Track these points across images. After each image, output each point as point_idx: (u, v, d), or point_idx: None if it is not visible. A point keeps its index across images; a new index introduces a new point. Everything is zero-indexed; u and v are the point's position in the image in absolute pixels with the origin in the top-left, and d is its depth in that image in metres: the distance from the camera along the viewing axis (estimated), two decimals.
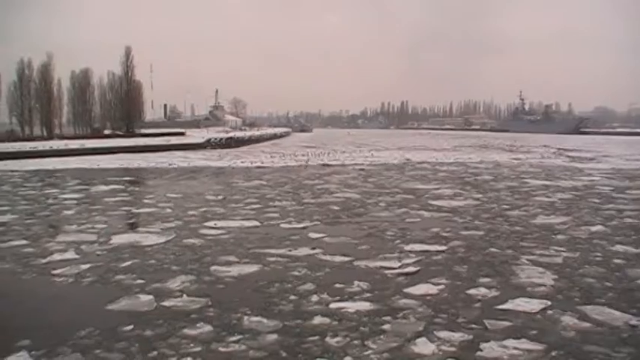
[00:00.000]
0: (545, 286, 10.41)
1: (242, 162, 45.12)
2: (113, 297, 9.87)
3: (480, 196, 23.34)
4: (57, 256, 12.85)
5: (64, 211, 20.38)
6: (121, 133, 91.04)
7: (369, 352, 7.47)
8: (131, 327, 8.44)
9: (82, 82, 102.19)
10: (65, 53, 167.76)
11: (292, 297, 9.78)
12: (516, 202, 21.34)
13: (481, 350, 7.53)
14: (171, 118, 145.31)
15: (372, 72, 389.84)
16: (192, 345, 7.74)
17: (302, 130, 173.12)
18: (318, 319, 8.64)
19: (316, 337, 7.93)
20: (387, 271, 11.38)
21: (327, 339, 7.86)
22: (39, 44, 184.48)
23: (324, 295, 9.80)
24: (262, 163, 44.07)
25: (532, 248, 13.41)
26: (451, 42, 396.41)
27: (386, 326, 8.35)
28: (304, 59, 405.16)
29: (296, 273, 11.27)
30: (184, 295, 9.94)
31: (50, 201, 23.17)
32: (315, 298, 9.71)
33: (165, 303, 9.60)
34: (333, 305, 9.34)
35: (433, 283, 10.51)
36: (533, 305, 9.26)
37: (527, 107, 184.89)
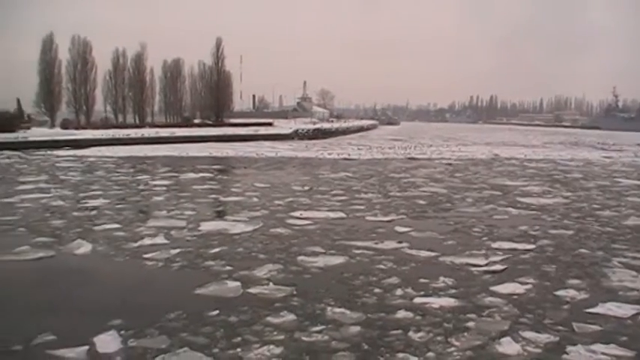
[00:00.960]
0: (638, 290, 9.97)
1: (329, 153, 45.31)
2: (201, 282, 10.13)
3: (569, 194, 22.61)
4: (147, 241, 13.32)
5: (154, 197, 21.08)
6: (210, 122, 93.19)
7: (452, 349, 7.36)
8: (217, 312, 8.63)
9: (173, 72, 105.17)
10: (158, 43, 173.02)
11: (377, 290, 9.76)
12: (607, 202, 20.56)
13: (567, 353, 7.28)
14: (259, 109, 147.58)
15: (461, 64, 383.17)
16: (275, 333, 7.83)
17: (389, 123, 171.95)
18: (401, 314, 8.59)
19: (399, 331, 7.88)
20: (473, 268, 11.20)
21: (410, 334, 7.79)
22: (133, 34, 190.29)
23: (409, 290, 9.73)
24: (349, 155, 44.10)
25: (624, 250, 12.85)
26: (543, 36, 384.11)
27: (470, 324, 8.21)
28: (392, 51, 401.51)
29: (381, 266, 11.24)
30: (270, 284, 10.09)
31: (141, 187, 24.02)
32: (399, 292, 9.66)
33: (252, 290, 9.77)
34: (417, 300, 9.26)
35: (520, 283, 10.25)
36: (625, 310, 8.86)
37: (620, 104, 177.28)
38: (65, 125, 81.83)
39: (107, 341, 7.54)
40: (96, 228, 15.05)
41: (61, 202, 19.64)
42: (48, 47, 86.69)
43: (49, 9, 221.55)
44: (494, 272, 10.94)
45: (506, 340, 7.62)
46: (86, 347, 7.33)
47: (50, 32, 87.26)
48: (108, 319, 8.26)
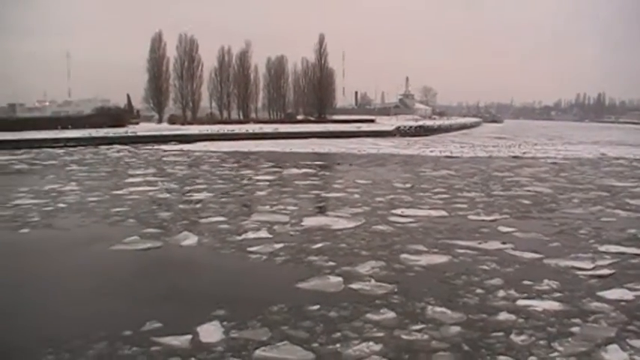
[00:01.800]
0: None
1: (431, 151, 44.82)
2: (304, 276, 10.23)
3: None
4: (251, 234, 13.59)
5: (257, 191, 21.48)
6: (312, 118, 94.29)
7: (556, 354, 7.05)
8: (317, 307, 8.66)
9: (277, 69, 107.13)
10: (262, 40, 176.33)
11: (479, 290, 9.52)
12: None
13: None
14: (361, 106, 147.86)
15: (567, 61, 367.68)
16: (375, 330, 7.78)
17: (492, 121, 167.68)
18: (503, 315, 8.33)
19: (500, 334, 7.65)
20: (578, 272, 10.68)
21: (512, 336, 7.54)
22: (238, 32, 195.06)
23: (512, 292, 9.42)
24: (451, 152, 43.44)
25: None
26: None
27: (575, 329, 7.84)
28: (497, 48, 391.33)
29: (484, 267, 10.95)
30: (372, 280, 10.04)
31: (244, 181, 24.56)
32: (501, 293, 9.38)
33: (353, 286, 9.76)
34: (520, 302, 8.95)
35: (629, 289, 9.65)
36: None
37: None
38: (172, 121, 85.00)
39: (210, 331, 7.74)
40: (201, 220, 15.56)
41: (167, 195, 20.42)
42: (156, 45, 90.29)
43: (158, 8, 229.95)
44: (601, 277, 10.41)
45: (613, 347, 7.21)
46: (190, 336, 7.55)
47: (159, 31, 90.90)
48: (212, 309, 8.48)
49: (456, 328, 7.84)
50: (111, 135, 56.10)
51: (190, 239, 13.25)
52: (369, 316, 8.27)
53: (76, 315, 8.73)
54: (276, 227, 14.43)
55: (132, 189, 21.90)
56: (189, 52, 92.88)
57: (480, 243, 12.76)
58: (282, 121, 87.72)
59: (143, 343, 7.33)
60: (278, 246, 12.45)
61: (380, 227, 14.53)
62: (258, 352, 7.07)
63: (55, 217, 16.37)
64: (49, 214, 16.81)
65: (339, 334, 7.62)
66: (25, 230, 14.72)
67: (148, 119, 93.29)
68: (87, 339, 7.50)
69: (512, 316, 8.27)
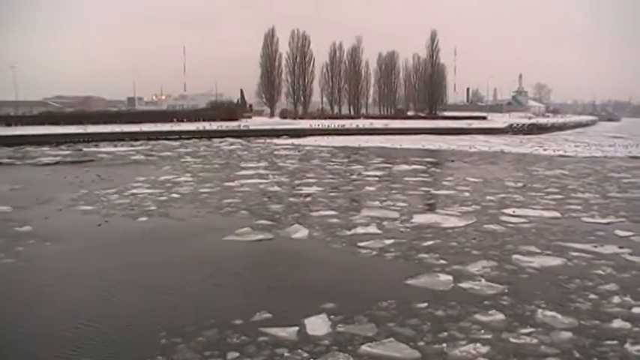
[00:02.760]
0: None
1: (544, 149, 43.27)
2: (413, 273, 10.12)
3: None
4: (360, 229, 13.59)
5: (366, 187, 21.47)
6: (423, 114, 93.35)
7: None
8: (425, 304, 8.55)
9: (387, 65, 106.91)
10: (373, 36, 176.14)
11: (592, 296, 9.06)
12: None
13: None
14: (472, 102, 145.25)
15: None
16: (482, 331, 7.59)
17: (609, 120, 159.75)
18: (617, 323, 7.90)
19: (614, 342, 7.25)
20: None
21: (627, 345, 7.13)
22: (350, 27, 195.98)
23: (628, 298, 8.91)
24: (565, 151, 41.72)
25: None
26: None
27: None
28: (615, 44, 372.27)
29: (599, 271, 10.41)
30: (483, 280, 9.81)
31: (354, 176, 24.60)
32: (616, 299, 8.88)
33: (463, 285, 9.57)
34: (636, 310, 8.45)
35: None
36: None
37: None
38: (284, 115, 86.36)
39: (317, 324, 7.78)
40: (313, 214, 15.72)
41: (277, 188, 20.77)
42: (269, 41, 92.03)
43: (271, 4, 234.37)
44: None
45: None
46: (297, 328, 7.62)
47: (272, 27, 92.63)
48: (320, 302, 8.54)
49: (567, 334, 7.53)
50: (224, 128, 57.74)
51: (301, 232, 13.41)
52: (477, 316, 8.09)
53: (189, 302, 9.01)
54: (385, 223, 14.36)
55: (243, 181, 22.45)
56: (301, 47, 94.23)
57: (595, 246, 12.18)
58: (392, 117, 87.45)
59: (251, 333, 7.48)
60: (388, 242, 12.39)
61: (491, 226, 14.17)
62: (363, 348, 7.04)
63: (170, 207, 17.03)
64: (163, 204, 17.51)
65: (445, 333, 7.49)
66: (144, 219, 15.40)
67: (260, 113, 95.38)
68: (198, 326, 7.73)
69: (628, 324, 7.85)
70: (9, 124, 61.12)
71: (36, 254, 11.91)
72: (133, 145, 45.03)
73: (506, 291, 9.24)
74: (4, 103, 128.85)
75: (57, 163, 33.62)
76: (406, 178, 23.73)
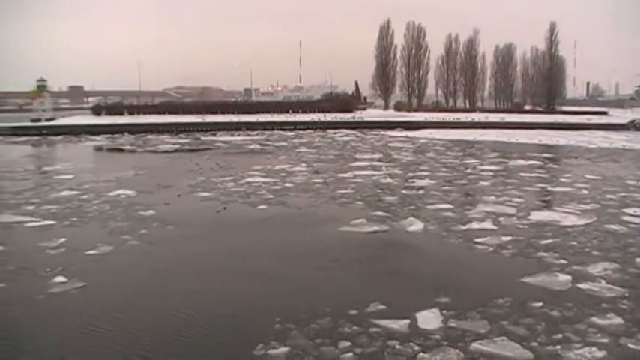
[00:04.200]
0: None
1: None
2: (530, 271, 9.84)
3: None
4: (475, 225, 13.36)
5: (480, 181, 21.01)
6: (540, 109, 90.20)
7: None
8: (541, 304, 8.31)
9: (504, 57, 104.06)
10: (490, 28, 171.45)
11: None
12: None
13: None
14: (592, 97, 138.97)
15: None
16: (599, 335, 7.29)
17: None
18: None
19: None
20: None
21: None
22: (466, 19, 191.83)
23: None
24: None
25: None
26: None
27: None
28: None
29: None
30: (603, 282, 9.39)
31: (468, 170, 24.14)
32: None
33: (581, 285, 9.21)
34: None
35: None
36: None
37: None
38: (398, 107, 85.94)
39: (429, 318, 7.74)
40: (428, 207, 15.59)
41: (390, 180, 20.70)
42: (385, 33, 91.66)
43: None
44: None
45: None
46: (408, 321, 7.60)
47: (387, 19, 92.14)
48: (433, 296, 8.49)
49: None
50: (338, 120, 58.08)
51: (416, 225, 13.33)
52: (594, 319, 7.78)
53: (304, 290, 9.21)
54: (501, 219, 14.03)
55: (357, 172, 22.54)
56: (416, 39, 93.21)
57: None
58: (508, 111, 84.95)
59: (363, 324, 7.53)
60: (505, 239, 12.11)
61: (612, 227, 13.49)
62: (474, 345, 6.93)
63: (286, 196, 17.34)
64: (278, 193, 17.88)
65: (560, 335, 7.25)
66: (262, 207, 15.79)
67: (375, 105, 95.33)
68: (313, 313, 7.87)
69: None
70: (132, 113, 64.26)
71: (158, 237, 12.49)
72: (249, 135, 46.14)
73: (627, 295, 8.81)
74: (128, 93, 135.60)
75: (176, 150, 34.99)
76: (522, 174, 23.03)
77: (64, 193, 18.14)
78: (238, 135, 46.74)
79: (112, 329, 7.61)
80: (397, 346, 6.89)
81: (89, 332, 7.52)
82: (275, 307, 8.18)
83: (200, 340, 7.28)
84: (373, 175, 21.90)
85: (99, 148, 39.10)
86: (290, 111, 66.77)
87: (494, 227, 13.21)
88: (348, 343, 6.96)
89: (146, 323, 7.85)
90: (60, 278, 9.63)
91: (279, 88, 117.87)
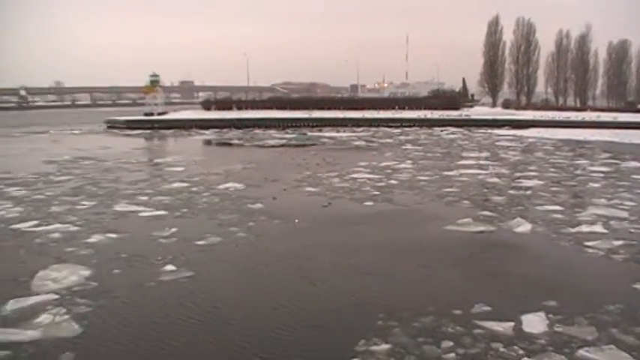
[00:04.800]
0: None
1: None
2: None
3: None
4: (585, 228, 12.84)
5: (590, 183, 20.19)
6: None
7: None
8: None
9: (618, 54, 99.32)
10: (603, 23, 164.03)
11: None
12: None
13: None
14: None
15: None
16: None
17: None
18: None
19: None
20: None
21: None
22: (578, 15, 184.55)
23: None
24: None
25: None
26: None
27: None
28: None
29: None
30: None
31: (578, 171, 23.25)
32: None
33: None
34: None
35: None
36: None
37: None
38: (506, 105, 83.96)
39: (534, 321, 7.54)
40: (537, 208, 15.15)
41: (496, 180, 20.24)
42: (493, 29, 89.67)
43: None
44: None
45: None
46: (513, 324, 7.43)
47: (496, 14, 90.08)
48: (539, 299, 8.27)
49: None
50: (445, 117, 57.33)
51: (524, 226, 13.01)
52: None
53: (408, 287, 9.18)
54: (613, 223, 13.43)
55: (462, 171, 22.22)
56: (526, 35, 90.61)
57: None
58: (621, 110, 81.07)
59: (467, 325, 7.43)
60: (616, 243, 11.59)
61: None
62: (581, 352, 6.71)
63: (392, 193, 17.33)
64: (383, 189, 17.90)
65: None
66: (369, 203, 15.86)
67: (480, 103, 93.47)
68: (416, 311, 7.84)
69: None
70: (240, 108, 65.85)
71: (265, 230, 12.79)
72: (354, 131, 46.31)
73: None
74: (237, 88, 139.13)
75: (282, 145, 35.63)
76: (636, 176, 21.94)
77: (176, 185, 18.90)
78: (344, 131, 47.00)
79: (212, 320, 7.83)
80: (501, 349, 6.76)
81: (190, 322, 7.77)
82: (378, 304, 8.21)
83: (301, 334, 7.40)
84: (479, 174, 21.51)
85: (208, 142, 40.40)
86: (396, 108, 66.41)
87: (605, 231, 12.66)
88: (451, 344, 6.90)
89: (247, 316, 7.98)
90: (170, 267, 10.05)
91: (386, 85, 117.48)
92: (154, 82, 65.06)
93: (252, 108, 66.88)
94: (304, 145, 35.38)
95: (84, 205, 15.75)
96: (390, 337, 7.08)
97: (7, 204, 15.93)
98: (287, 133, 45.27)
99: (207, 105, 70.91)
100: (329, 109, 64.10)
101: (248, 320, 7.83)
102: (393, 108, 65.96)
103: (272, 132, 46.27)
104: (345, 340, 7.09)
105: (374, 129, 49.35)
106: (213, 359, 6.84)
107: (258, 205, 15.32)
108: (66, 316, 7.87)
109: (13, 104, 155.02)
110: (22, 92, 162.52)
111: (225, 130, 49.13)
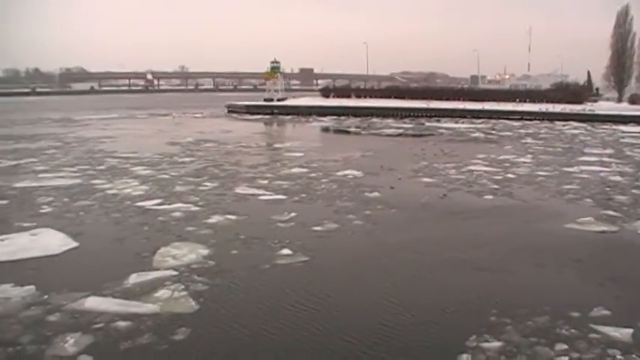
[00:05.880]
0: None
1: None
2: None
3: None
4: None
5: None
6: None
7: None
8: None
9: None
10: None
11: None
12: None
13: None
14: None
15: None
16: None
17: None
18: None
19: None
20: None
21: None
22: None
23: None
24: None
25: None
26: None
27: None
28: None
29: None
30: None
31: None
32: None
33: None
34: None
35: None
36: None
37: None
38: (633, 100, 79.26)
39: None
40: None
41: (620, 178, 19.20)
42: (622, 20, 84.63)
43: None
44: None
45: None
46: (631, 330, 7.05)
47: (626, 4, 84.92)
48: None
49: None
50: (567, 111, 54.84)
51: None
52: None
53: (523, 285, 8.90)
54: None
55: (583, 167, 21.24)
56: None
57: None
58: None
59: (584, 328, 7.12)
60: None
61: None
62: None
63: (510, 187, 16.83)
64: (500, 183, 17.43)
65: None
66: (488, 197, 15.49)
67: (604, 97, 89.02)
68: (530, 310, 7.60)
69: None
70: (358, 97, 66.03)
71: (381, 219, 12.78)
72: (473, 123, 45.33)
73: None
74: (355, 76, 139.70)
75: (399, 135, 35.42)
76: None
77: (295, 170, 19.25)
78: (462, 122, 46.11)
79: (320, 309, 7.82)
80: (618, 356, 6.44)
81: (299, 308, 7.84)
82: (491, 300, 8.03)
83: (409, 327, 7.33)
84: (601, 172, 20.45)
85: (325, 129, 40.80)
86: (517, 100, 64.26)
87: None
88: (565, 346, 6.63)
89: (353, 307, 7.94)
90: (286, 251, 10.24)
91: (507, 76, 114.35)
92: (275, 69, 66.46)
93: (371, 96, 66.89)
94: (421, 135, 35.04)
95: (206, 186, 16.38)
96: (502, 335, 6.89)
97: (134, 182, 16.86)
98: (404, 122, 44.93)
99: (326, 92, 71.65)
100: (447, 99, 63.03)
101: (353, 312, 7.79)
102: (514, 100, 63.86)
103: (389, 121, 46.09)
104: (456, 334, 6.98)
105: (493, 121, 48.04)
106: (317, 350, 6.81)
107: (375, 194, 15.33)
108: (183, 293, 8.23)
109: (140, 87, 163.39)
110: (149, 76, 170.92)
111: (342, 117, 49.45)
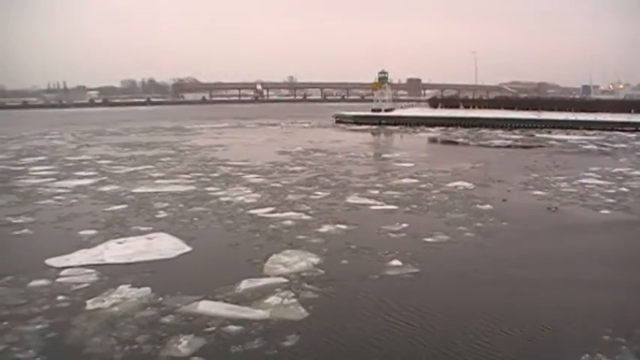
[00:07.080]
0: None
1: None
2: None
3: None
4: None
5: None
6: None
7: None
8: None
9: None
10: None
11: None
12: None
13: None
14: None
15: None
16: None
17: None
18: None
19: None
20: None
21: None
22: None
23: None
24: None
25: None
26: None
27: None
28: None
29: None
30: None
31: None
32: None
33: None
34: None
35: None
36: None
37: None
38: None
39: None
40: None
41: None
42: None
43: None
44: None
45: None
46: None
47: None
48: None
49: None
50: None
51: None
52: None
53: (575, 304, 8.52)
54: None
55: None
56: None
57: None
58: None
59: None
60: None
61: None
62: None
63: (626, 202, 16.08)
64: (615, 197, 16.73)
65: None
66: (605, 211, 14.75)
67: None
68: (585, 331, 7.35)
69: None
70: (467, 107, 64.87)
71: (493, 232, 12.61)
72: (585, 134, 43.49)
73: None
74: (463, 86, 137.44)
75: (509, 146, 34.55)
76: None
77: (405, 181, 19.26)
78: (574, 134, 44.32)
79: (423, 326, 7.70)
80: None
81: (403, 323, 7.76)
82: (603, 318, 7.78)
83: (518, 344, 7.18)
84: None
85: (433, 140, 40.40)
86: (632, 111, 61.13)
87: None
88: None
89: (461, 323, 7.76)
90: (395, 262, 10.29)
91: (621, 86, 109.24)
92: (383, 79, 66.39)
93: (479, 107, 65.60)
94: (531, 147, 34.06)
95: (317, 195, 16.68)
96: (616, 355, 6.69)
97: (247, 190, 17.42)
98: (514, 133, 43.76)
99: (433, 103, 70.96)
100: (559, 110, 60.77)
101: (464, 329, 7.58)
102: (629, 111, 60.72)
103: (498, 132, 45.02)
104: (566, 352, 6.84)
105: (607, 133, 45.88)
106: None
107: (487, 206, 15.11)
108: (293, 300, 8.46)
109: (249, 97, 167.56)
110: (258, 86, 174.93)
111: (450, 128, 48.78)
